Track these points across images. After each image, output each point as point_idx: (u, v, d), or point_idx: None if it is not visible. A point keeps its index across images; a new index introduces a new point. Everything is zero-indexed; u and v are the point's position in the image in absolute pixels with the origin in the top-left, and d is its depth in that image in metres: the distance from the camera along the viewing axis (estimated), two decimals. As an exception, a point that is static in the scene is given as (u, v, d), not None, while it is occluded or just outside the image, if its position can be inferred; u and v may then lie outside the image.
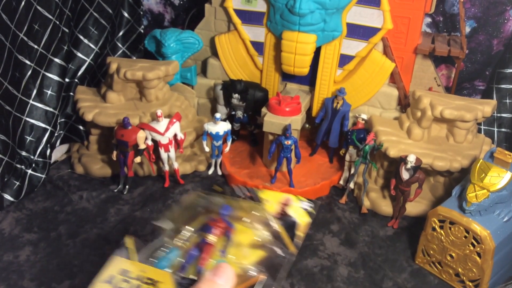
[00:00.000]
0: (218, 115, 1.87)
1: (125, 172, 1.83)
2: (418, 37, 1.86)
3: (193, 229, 0.79)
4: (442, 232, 1.48)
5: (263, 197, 0.84)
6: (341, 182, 1.91)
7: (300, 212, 0.83)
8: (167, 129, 1.80)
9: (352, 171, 1.83)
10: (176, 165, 1.88)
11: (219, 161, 1.96)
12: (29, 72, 1.80)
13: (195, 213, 0.82)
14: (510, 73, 1.96)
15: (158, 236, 0.79)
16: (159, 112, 1.78)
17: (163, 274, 0.73)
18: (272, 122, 1.81)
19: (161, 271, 0.74)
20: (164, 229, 0.81)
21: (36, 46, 1.80)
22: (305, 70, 1.88)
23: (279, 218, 0.81)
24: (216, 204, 0.82)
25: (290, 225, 0.81)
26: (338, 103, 1.87)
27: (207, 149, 1.90)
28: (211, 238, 0.76)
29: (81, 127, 2.03)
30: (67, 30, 1.94)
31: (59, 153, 2.05)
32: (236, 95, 1.94)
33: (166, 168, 1.87)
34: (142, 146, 1.79)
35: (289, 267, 0.75)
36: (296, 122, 1.81)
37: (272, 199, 0.84)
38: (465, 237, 1.42)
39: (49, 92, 1.88)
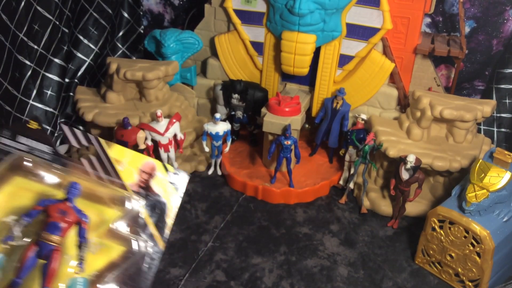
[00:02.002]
0: (218, 115, 1.87)
1: (125, 172, 1.83)
2: (418, 37, 1.86)
3: (17, 218, 0.50)
4: (441, 232, 1.48)
5: (112, 156, 0.56)
6: (341, 182, 1.91)
7: (168, 187, 0.58)
8: (167, 129, 1.80)
9: (352, 171, 1.83)
10: (176, 165, 1.88)
11: (219, 161, 1.96)
12: (29, 72, 1.80)
13: (15, 189, 0.51)
14: (509, 73, 1.96)
15: None
16: (159, 112, 1.78)
17: None
18: (271, 122, 1.81)
19: None
20: None
21: (36, 47, 1.81)
22: (304, 70, 1.88)
23: (141, 194, 0.56)
24: (53, 170, 0.52)
25: (156, 208, 0.57)
26: (337, 103, 1.87)
27: (206, 149, 1.90)
28: (57, 240, 0.49)
29: (81, 127, 2.03)
30: (67, 31, 1.94)
31: (59, 153, 2.04)
32: (236, 95, 1.94)
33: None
34: (142, 146, 1.79)
35: (155, 271, 0.51)
36: (296, 122, 1.81)
37: (128, 162, 0.56)
38: (465, 237, 1.42)
39: (49, 92, 1.88)
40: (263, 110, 1.86)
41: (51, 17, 1.83)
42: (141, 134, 1.77)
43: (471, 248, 1.42)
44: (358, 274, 1.54)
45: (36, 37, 1.80)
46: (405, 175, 1.64)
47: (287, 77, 2.00)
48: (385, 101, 1.91)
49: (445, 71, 2.15)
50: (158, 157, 1.86)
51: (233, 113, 1.99)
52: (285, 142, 1.76)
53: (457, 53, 1.86)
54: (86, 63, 2.08)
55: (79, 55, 2.06)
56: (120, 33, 2.16)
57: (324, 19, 1.77)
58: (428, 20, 2.06)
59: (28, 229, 0.47)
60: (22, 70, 1.78)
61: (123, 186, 0.53)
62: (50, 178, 0.51)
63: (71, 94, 2.00)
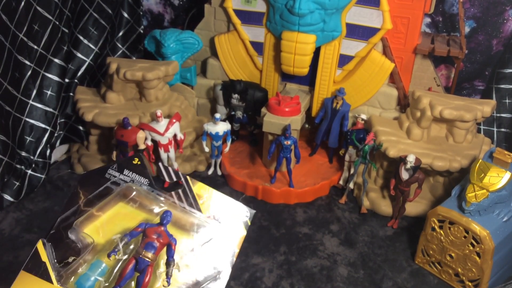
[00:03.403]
0: (217, 115, 1.87)
1: (125, 172, 1.83)
2: (418, 37, 1.86)
3: (121, 237, 0.62)
4: (441, 232, 1.48)
5: (195, 192, 0.69)
6: (341, 182, 1.91)
7: (238, 222, 0.69)
8: (166, 129, 1.80)
9: (352, 171, 1.83)
10: (175, 166, 1.88)
11: (218, 161, 1.96)
12: (29, 73, 1.80)
13: (125, 212, 0.65)
14: (509, 73, 1.96)
15: (72, 234, 0.61)
16: (158, 113, 1.78)
17: None
18: (271, 122, 1.81)
19: None
20: (80, 230, 0.62)
21: (36, 47, 1.81)
22: (304, 70, 1.88)
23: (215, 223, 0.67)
24: (153, 202, 0.65)
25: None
26: (337, 103, 1.87)
27: (206, 149, 1.90)
28: (152, 257, 0.60)
29: (81, 128, 2.03)
30: (66, 31, 1.94)
31: (59, 153, 2.05)
32: (236, 95, 1.94)
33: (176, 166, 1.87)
34: (141, 146, 1.79)
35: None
36: (296, 122, 1.81)
37: (207, 198, 0.69)
38: (465, 237, 1.42)
39: (49, 92, 1.88)
40: (263, 110, 1.86)
41: (51, 17, 1.83)
42: (141, 134, 1.77)
43: (471, 248, 1.42)
44: (358, 274, 1.54)
45: (36, 37, 1.80)
46: (405, 175, 1.64)
47: (287, 77, 2.00)
48: (385, 101, 1.91)
49: (445, 71, 2.15)
50: (158, 157, 1.86)
51: (233, 113, 1.99)
52: (285, 142, 1.77)
53: (457, 53, 1.86)
54: (86, 63, 2.08)
55: (79, 55, 2.06)
56: (120, 33, 2.16)
57: (324, 19, 1.77)
58: (428, 20, 2.06)
59: (127, 246, 0.61)
60: (22, 70, 1.78)
61: (203, 217, 0.67)
62: (148, 206, 0.65)
63: (71, 94, 2.00)
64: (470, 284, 1.47)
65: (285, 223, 1.73)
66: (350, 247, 1.64)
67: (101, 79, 2.12)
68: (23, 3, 1.71)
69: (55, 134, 1.93)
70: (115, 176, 0.64)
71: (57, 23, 1.87)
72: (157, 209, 0.65)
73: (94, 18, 2.07)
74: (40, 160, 1.87)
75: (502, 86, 1.98)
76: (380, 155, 1.80)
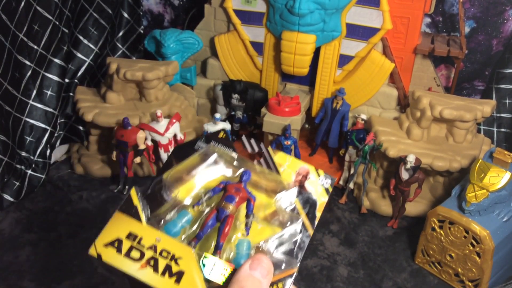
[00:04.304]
0: (217, 115, 1.87)
1: (125, 172, 1.83)
2: (418, 37, 1.86)
3: (205, 191, 0.68)
4: (441, 232, 1.48)
5: (277, 161, 0.72)
6: (341, 182, 1.91)
7: (318, 188, 0.71)
8: (166, 129, 1.80)
9: (352, 171, 1.83)
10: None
11: (219, 161, 1.95)
12: (29, 73, 1.80)
13: (209, 174, 0.70)
14: (509, 73, 1.96)
15: (164, 192, 0.67)
16: (158, 113, 1.78)
17: (183, 249, 0.61)
18: (271, 122, 1.81)
19: (180, 245, 0.61)
20: (171, 187, 0.68)
21: (36, 47, 1.81)
22: (304, 71, 1.88)
23: (297, 191, 0.70)
24: (232, 163, 0.70)
25: (308, 203, 0.70)
26: (337, 103, 1.87)
27: (207, 149, 1.90)
28: (232, 209, 0.65)
29: (81, 128, 2.03)
30: (66, 31, 1.94)
31: (59, 153, 2.05)
32: (236, 96, 1.94)
33: None
34: (142, 146, 1.79)
35: (303, 251, 0.68)
36: (296, 122, 1.81)
37: (288, 166, 0.72)
38: (465, 237, 1.42)
39: (49, 92, 1.88)
40: (263, 110, 1.86)
41: (51, 17, 1.83)
42: (141, 134, 1.77)
43: (471, 248, 1.42)
44: (358, 274, 1.54)
45: (36, 37, 1.80)
46: (405, 175, 1.64)
47: (287, 77, 2.01)
48: (385, 101, 1.91)
49: (445, 71, 2.15)
50: (158, 157, 1.87)
51: (233, 113, 2.00)
52: (285, 142, 1.77)
53: (457, 53, 1.86)
54: (86, 63, 2.08)
55: (79, 55, 2.06)
56: (120, 33, 2.16)
57: (324, 19, 1.77)
58: (428, 20, 2.06)
59: (210, 201, 0.67)
60: (22, 70, 1.78)
61: (282, 182, 0.71)
62: (230, 169, 0.71)
63: (71, 94, 2.00)
64: (470, 284, 1.47)
65: (285, 223, 1.73)
66: (350, 247, 1.64)
67: (101, 79, 2.12)
68: (23, 3, 1.71)
69: (55, 134, 1.94)
70: (202, 147, 0.71)
71: (57, 23, 1.87)
72: (238, 172, 0.71)
73: (94, 18, 2.07)
74: (40, 160, 1.87)
75: (502, 86, 1.98)
76: (380, 155, 1.80)
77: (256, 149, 0.74)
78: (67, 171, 1.98)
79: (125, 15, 2.15)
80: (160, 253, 0.60)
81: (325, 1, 1.72)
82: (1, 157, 1.69)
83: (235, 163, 0.71)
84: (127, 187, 1.85)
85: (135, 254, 0.61)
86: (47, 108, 1.88)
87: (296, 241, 0.67)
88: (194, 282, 0.59)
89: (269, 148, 0.73)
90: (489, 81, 2.05)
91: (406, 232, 1.72)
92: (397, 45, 1.87)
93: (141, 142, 1.78)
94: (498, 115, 2.00)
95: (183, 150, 0.71)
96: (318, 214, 0.70)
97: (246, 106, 1.97)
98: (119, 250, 0.61)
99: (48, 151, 1.90)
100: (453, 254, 1.47)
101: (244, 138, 0.75)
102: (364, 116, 1.86)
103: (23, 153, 1.84)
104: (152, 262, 0.60)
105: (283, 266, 0.64)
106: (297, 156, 1.82)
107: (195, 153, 0.70)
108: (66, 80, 1.99)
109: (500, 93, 1.99)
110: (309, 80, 2.00)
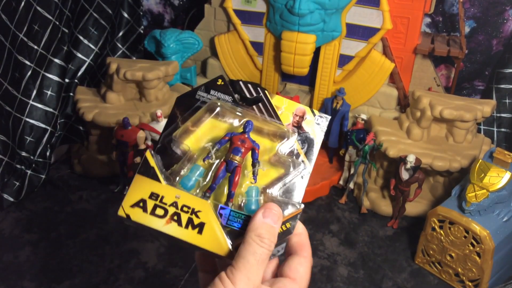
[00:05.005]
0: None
1: (125, 172, 1.83)
2: (418, 37, 1.86)
3: (212, 144, 0.73)
4: (441, 232, 1.48)
5: (274, 104, 0.76)
6: (341, 182, 1.91)
7: (315, 127, 0.76)
8: (166, 129, 1.79)
9: (352, 171, 1.83)
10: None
11: (219, 161, 1.95)
12: (29, 73, 1.80)
13: (214, 125, 0.75)
14: (509, 73, 1.96)
15: (174, 146, 0.72)
16: (158, 113, 1.78)
17: (201, 203, 0.68)
18: (271, 122, 1.80)
19: (198, 199, 0.68)
20: (180, 142, 0.73)
21: (36, 47, 1.81)
22: (304, 70, 1.88)
23: (294, 131, 0.75)
24: (235, 113, 0.75)
25: (305, 142, 0.75)
26: (337, 103, 1.87)
27: (207, 149, 1.90)
28: (239, 160, 0.71)
29: (81, 128, 2.03)
30: (66, 31, 1.94)
31: (59, 153, 2.05)
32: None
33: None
34: (142, 146, 1.79)
35: (305, 187, 0.73)
36: (296, 122, 1.81)
37: (285, 108, 0.76)
38: (465, 237, 1.42)
39: (49, 92, 1.88)
40: (263, 110, 1.86)
41: (51, 17, 1.83)
42: (141, 134, 1.77)
43: (471, 248, 1.42)
44: (358, 274, 1.54)
45: (36, 37, 1.80)
46: (405, 175, 1.64)
47: (287, 77, 2.00)
48: (385, 101, 1.91)
49: (445, 71, 2.15)
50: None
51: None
52: (285, 142, 1.76)
53: (457, 53, 1.86)
54: (86, 63, 2.08)
55: (79, 55, 2.06)
56: (120, 33, 2.16)
57: (324, 19, 1.77)
58: (428, 20, 2.06)
59: (219, 152, 0.72)
60: (22, 70, 1.78)
61: (282, 125, 0.76)
62: (232, 118, 0.75)
63: (71, 94, 2.00)
64: (470, 284, 1.47)
65: (285, 223, 1.72)
66: (350, 247, 1.64)
67: (101, 79, 2.12)
68: (23, 3, 1.71)
69: (55, 134, 1.93)
70: (203, 97, 0.75)
71: (57, 23, 1.87)
72: (241, 121, 0.75)
73: (94, 18, 2.07)
74: (40, 160, 1.87)
75: (502, 86, 1.98)
76: (380, 155, 1.80)
77: (254, 94, 0.78)
78: (67, 171, 1.98)
79: (125, 15, 2.15)
80: (181, 209, 0.67)
81: (325, 1, 1.72)
82: (1, 157, 1.69)
83: (238, 113, 0.75)
84: (127, 187, 1.85)
85: (159, 211, 0.66)
86: (47, 108, 1.88)
87: (298, 182, 0.73)
88: (214, 230, 0.67)
89: (266, 92, 0.77)
90: (489, 81, 2.05)
91: (406, 232, 1.72)
92: (397, 45, 1.87)
93: (141, 142, 1.78)
94: (498, 115, 2.00)
95: (185, 101, 0.75)
96: (316, 152, 0.75)
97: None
98: (144, 209, 0.66)
99: (48, 151, 1.90)
100: (453, 254, 1.47)
101: (241, 82, 0.79)
102: (364, 116, 1.86)
103: (23, 153, 1.84)
104: (175, 217, 0.66)
105: (289, 207, 0.71)
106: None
107: (198, 106, 0.74)
108: (66, 80, 1.99)
109: (500, 93, 1.98)
110: (309, 80, 2.00)
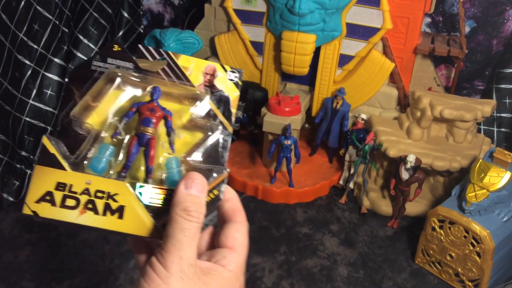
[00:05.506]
0: (217, 115, 1.86)
1: (125, 172, 1.82)
2: (418, 37, 1.86)
3: (119, 118, 0.66)
4: (441, 232, 1.48)
5: (181, 64, 0.70)
6: (341, 182, 1.91)
7: (228, 84, 0.73)
8: (166, 129, 1.79)
9: (352, 171, 1.83)
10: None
11: (218, 161, 1.95)
12: (29, 72, 1.80)
13: (118, 97, 0.68)
14: (509, 73, 1.96)
15: (75, 126, 0.65)
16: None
17: (117, 184, 0.61)
18: (271, 122, 1.81)
19: (112, 181, 0.62)
20: (82, 121, 0.66)
21: (35, 46, 1.80)
22: (304, 70, 1.88)
23: (207, 91, 0.70)
24: (138, 81, 0.68)
25: (221, 101, 0.71)
26: (337, 103, 1.87)
27: (206, 149, 1.90)
28: (152, 131, 0.65)
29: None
30: (66, 30, 1.94)
31: (59, 153, 2.05)
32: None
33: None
34: (141, 146, 1.78)
35: (228, 150, 0.69)
36: (296, 122, 1.81)
37: (193, 68, 0.71)
38: (465, 237, 1.42)
39: (49, 92, 1.88)
40: (263, 110, 1.86)
41: (51, 17, 1.83)
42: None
43: (471, 248, 1.42)
44: (358, 274, 1.54)
45: (36, 37, 1.80)
46: (405, 175, 1.64)
47: (287, 77, 2.00)
48: (385, 101, 1.91)
49: (445, 71, 2.15)
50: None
51: (233, 112, 1.99)
52: (285, 142, 1.76)
53: (457, 53, 1.86)
54: (86, 63, 2.08)
55: (79, 55, 2.06)
56: (120, 33, 2.16)
57: (324, 19, 1.77)
58: (428, 20, 2.06)
59: (127, 126, 0.66)
60: (22, 70, 1.77)
61: (193, 87, 0.71)
62: (136, 86, 0.69)
63: (71, 94, 2.00)
64: (470, 284, 1.47)
65: (285, 223, 1.73)
66: (350, 247, 1.64)
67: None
68: (23, 3, 1.71)
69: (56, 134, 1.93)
70: (100, 67, 0.67)
71: (57, 22, 1.87)
72: (147, 88, 0.69)
73: (94, 17, 2.07)
74: (40, 160, 1.87)
75: (502, 86, 1.98)
76: (380, 155, 1.80)
77: (158, 56, 0.72)
78: (67, 170, 1.97)
79: (125, 14, 2.15)
80: (95, 195, 0.61)
81: (325, 0, 1.72)
82: (1, 156, 1.69)
83: (141, 80, 0.69)
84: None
85: (70, 202, 0.61)
86: (47, 108, 1.88)
87: (218, 144, 0.68)
88: (136, 212, 0.61)
89: (170, 53, 0.71)
90: (489, 81, 2.05)
91: (406, 232, 1.72)
92: (397, 45, 1.87)
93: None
94: (498, 115, 2.00)
95: (79, 74, 0.68)
96: (233, 110, 0.71)
97: (246, 106, 1.97)
98: (52, 203, 0.60)
99: (48, 151, 1.89)
100: (453, 254, 1.47)
101: (140, 46, 0.72)
102: (364, 116, 1.86)
103: (23, 153, 1.83)
104: (90, 205, 0.61)
105: (214, 174, 0.66)
106: (298, 156, 1.82)
107: (95, 78, 0.68)
108: (66, 80, 1.99)
109: (500, 93, 1.98)
110: (309, 80, 1.99)
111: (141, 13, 2.26)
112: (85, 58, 2.07)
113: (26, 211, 0.61)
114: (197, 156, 0.67)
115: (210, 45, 2.09)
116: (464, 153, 1.71)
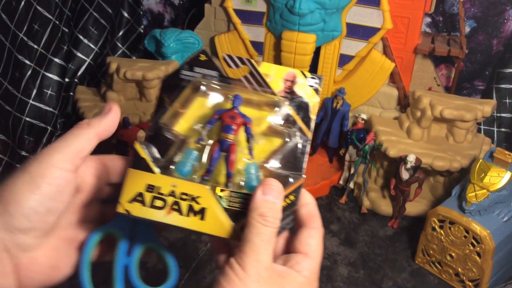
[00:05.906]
0: (218, 115, 1.86)
1: (125, 172, 1.82)
2: (418, 37, 1.86)
3: (203, 125, 0.70)
4: (442, 232, 1.48)
5: (262, 72, 0.73)
6: (341, 182, 1.91)
7: (308, 90, 0.73)
8: (167, 129, 1.79)
9: (352, 171, 1.83)
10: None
11: (219, 161, 1.95)
12: (29, 72, 1.80)
13: (203, 104, 0.71)
14: (509, 73, 1.96)
15: (165, 131, 0.70)
16: (159, 112, 1.78)
17: (199, 188, 0.66)
18: (272, 122, 1.80)
19: (195, 185, 0.66)
20: (170, 128, 0.70)
21: (36, 46, 1.81)
22: (304, 70, 1.87)
23: (287, 98, 0.72)
24: (221, 89, 0.71)
25: (301, 107, 0.72)
26: (338, 103, 1.87)
27: (207, 149, 1.90)
28: (232, 138, 0.68)
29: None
30: (67, 30, 1.94)
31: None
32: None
33: None
34: (142, 146, 1.78)
35: (306, 155, 0.70)
36: (296, 122, 1.81)
37: (274, 75, 0.73)
38: (465, 237, 1.42)
39: (49, 92, 1.88)
40: (263, 110, 1.86)
41: (51, 17, 1.83)
42: (141, 134, 1.77)
43: (471, 248, 1.42)
44: (358, 274, 1.54)
45: (36, 37, 1.80)
46: (405, 175, 1.64)
47: (287, 77, 2.00)
48: (385, 101, 1.91)
49: (445, 71, 2.15)
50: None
51: (233, 112, 1.99)
52: (285, 142, 1.76)
53: (457, 53, 1.86)
54: (86, 63, 2.08)
55: (79, 55, 2.06)
56: (120, 33, 2.16)
57: (324, 18, 1.77)
58: (428, 20, 2.06)
59: (210, 132, 0.70)
60: (22, 69, 1.78)
61: (273, 94, 0.73)
62: (220, 95, 0.72)
63: (71, 94, 2.00)
64: (470, 284, 1.47)
65: (285, 223, 1.72)
66: (350, 247, 1.64)
67: (101, 78, 2.12)
68: (23, 3, 1.71)
69: (55, 134, 1.93)
70: (188, 76, 0.72)
71: (57, 22, 1.87)
72: (229, 96, 0.72)
73: (94, 17, 2.07)
74: (40, 159, 1.87)
75: (502, 86, 1.98)
76: (380, 155, 1.80)
77: (240, 65, 0.75)
78: (67, 170, 1.97)
79: (125, 14, 2.15)
80: (180, 197, 0.66)
81: (326, 0, 1.72)
82: (1, 156, 1.69)
83: (224, 88, 0.72)
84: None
85: (158, 203, 0.65)
86: (47, 108, 1.88)
87: (297, 150, 0.71)
88: (216, 214, 0.65)
89: (253, 61, 0.74)
90: (489, 81, 2.05)
91: (406, 232, 1.72)
92: (397, 45, 1.87)
93: (141, 141, 1.78)
94: (498, 114, 2.00)
95: (170, 83, 0.72)
96: (313, 116, 0.72)
97: (246, 105, 1.97)
98: (143, 203, 0.65)
99: (48, 151, 1.89)
100: (453, 254, 1.47)
101: (225, 55, 0.75)
102: (364, 116, 1.86)
103: (23, 153, 1.83)
104: (175, 207, 0.65)
105: (291, 179, 0.69)
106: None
107: (183, 86, 0.71)
108: (66, 80, 1.99)
109: (501, 93, 1.99)
110: (309, 79, 1.99)
111: (141, 13, 2.26)
112: (85, 58, 2.08)
113: (120, 209, 0.65)
114: (276, 162, 0.70)
115: (210, 45, 2.09)
116: (464, 153, 1.71)
